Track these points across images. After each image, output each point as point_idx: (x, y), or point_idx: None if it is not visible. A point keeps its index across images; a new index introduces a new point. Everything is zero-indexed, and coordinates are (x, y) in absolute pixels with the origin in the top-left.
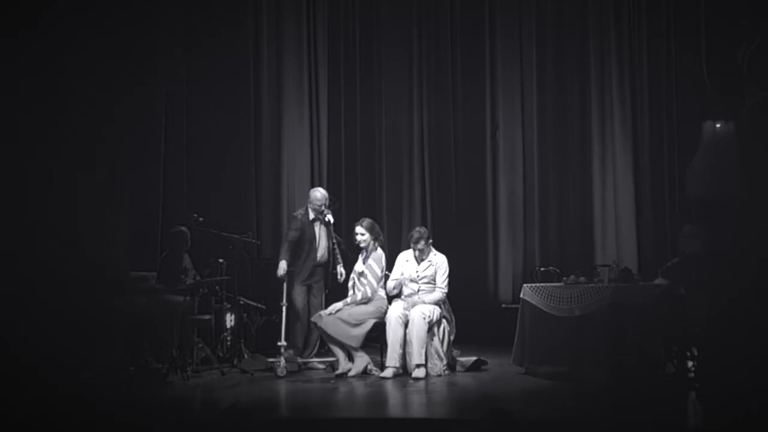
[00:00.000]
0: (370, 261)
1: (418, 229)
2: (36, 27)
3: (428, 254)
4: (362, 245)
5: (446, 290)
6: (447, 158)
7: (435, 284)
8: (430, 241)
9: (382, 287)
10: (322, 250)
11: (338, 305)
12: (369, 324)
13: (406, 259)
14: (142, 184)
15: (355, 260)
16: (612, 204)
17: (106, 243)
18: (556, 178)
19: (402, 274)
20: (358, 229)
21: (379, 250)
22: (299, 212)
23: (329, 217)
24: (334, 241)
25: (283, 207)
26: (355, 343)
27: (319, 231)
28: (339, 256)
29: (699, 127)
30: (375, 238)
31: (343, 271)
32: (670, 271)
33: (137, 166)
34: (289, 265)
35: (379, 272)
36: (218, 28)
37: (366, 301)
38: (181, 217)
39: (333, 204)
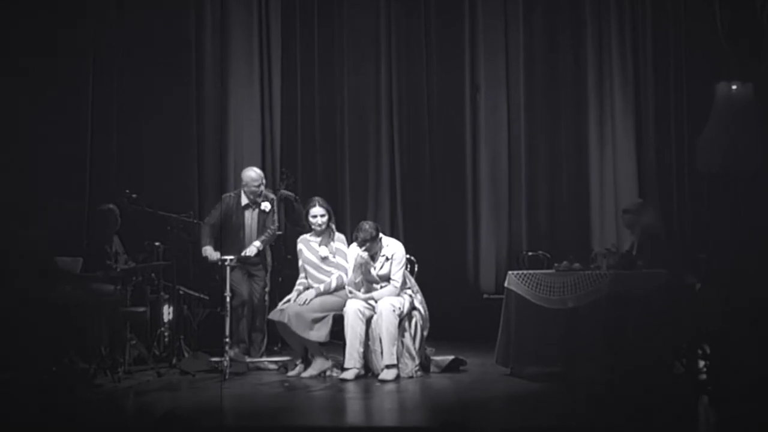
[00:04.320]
0: (336, 243)
1: (363, 227)
2: None
3: (381, 248)
4: (321, 227)
5: (400, 282)
6: (420, 126)
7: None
8: (380, 236)
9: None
10: (252, 241)
11: (310, 294)
12: (330, 319)
13: (360, 261)
14: (65, 157)
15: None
16: (611, 178)
17: (23, 225)
18: (547, 148)
19: (358, 279)
20: (318, 209)
21: (337, 233)
22: (230, 194)
23: (265, 205)
24: (273, 232)
25: (229, 181)
26: (317, 345)
27: (251, 219)
28: (267, 236)
29: (712, 90)
30: (329, 216)
31: (255, 248)
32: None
33: (59, 135)
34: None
35: (348, 252)
36: None
37: (341, 288)
38: (111, 194)
39: (287, 179)
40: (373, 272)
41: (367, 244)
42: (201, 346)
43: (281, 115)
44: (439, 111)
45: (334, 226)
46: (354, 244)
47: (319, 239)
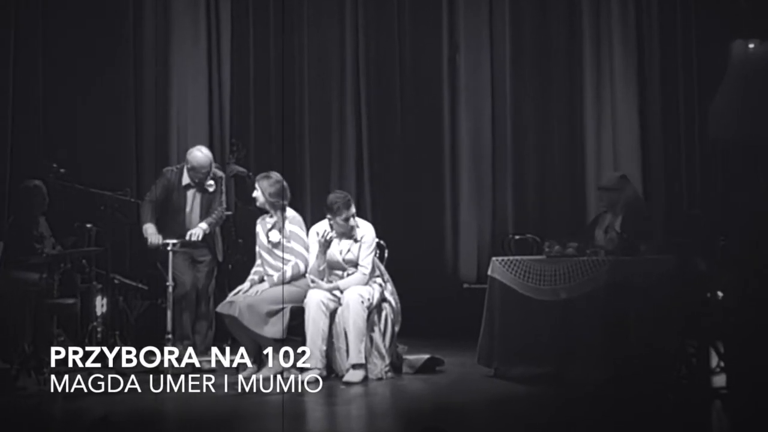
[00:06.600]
0: (289, 225)
1: (338, 194)
2: None
3: (353, 228)
4: (257, 204)
5: (369, 269)
6: (390, 90)
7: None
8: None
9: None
10: (195, 224)
11: (263, 287)
12: (287, 312)
13: (325, 238)
14: None
15: (251, 231)
16: (610, 150)
17: None
18: (536, 116)
19: (322, 266)
20: (257, 185)
21: (292, 211)
22: (171, 169)
23: (210, 183)
24: (221, 214)
25: (171, 154)
26: (272, 342)
27: (193, 200)
28: (215, 218)
29: (726, 50)
30: (275, 198)
31: (201, 231)
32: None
33: None
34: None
35: (306, 238)
36: None
37: (298, 277)
38: (36, 169)
39: (238, 151)
40: (339, 257)
41: (349, 211)
42: (139, 342)
43: (231, 76)
44: (413, 73)
45: (285, 205)
46: (315, 228)
47: (273, 221)
